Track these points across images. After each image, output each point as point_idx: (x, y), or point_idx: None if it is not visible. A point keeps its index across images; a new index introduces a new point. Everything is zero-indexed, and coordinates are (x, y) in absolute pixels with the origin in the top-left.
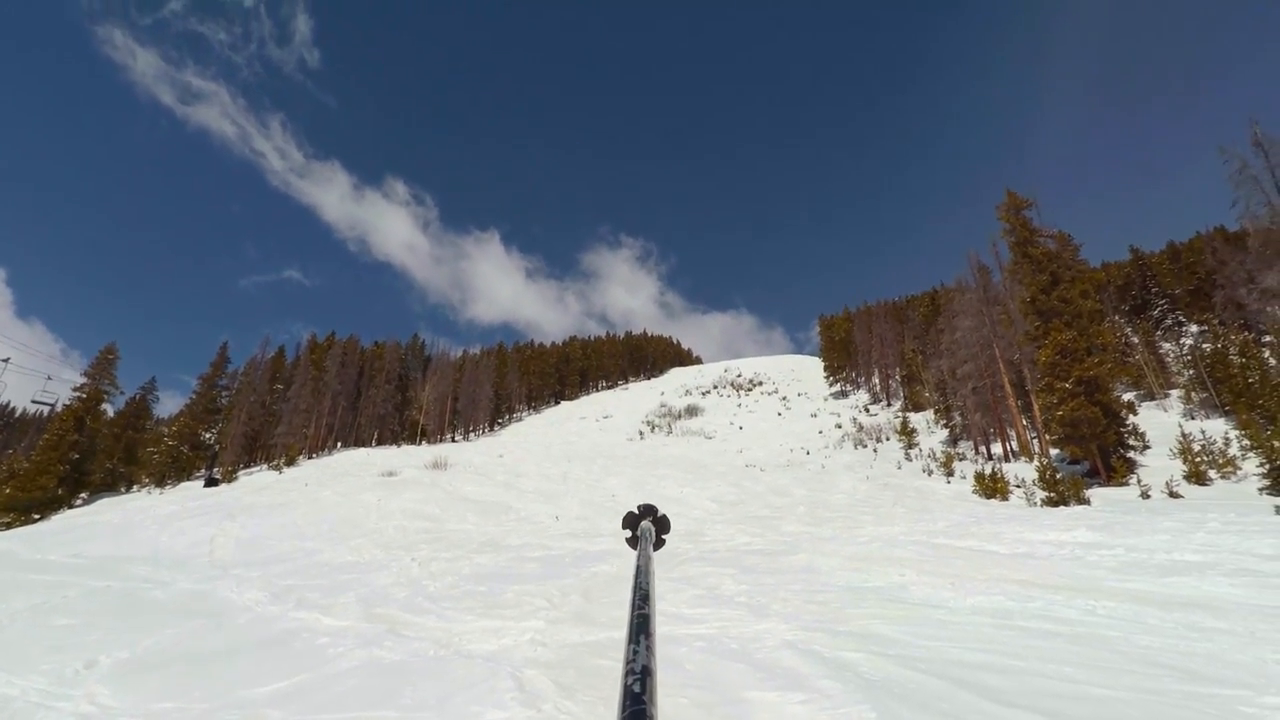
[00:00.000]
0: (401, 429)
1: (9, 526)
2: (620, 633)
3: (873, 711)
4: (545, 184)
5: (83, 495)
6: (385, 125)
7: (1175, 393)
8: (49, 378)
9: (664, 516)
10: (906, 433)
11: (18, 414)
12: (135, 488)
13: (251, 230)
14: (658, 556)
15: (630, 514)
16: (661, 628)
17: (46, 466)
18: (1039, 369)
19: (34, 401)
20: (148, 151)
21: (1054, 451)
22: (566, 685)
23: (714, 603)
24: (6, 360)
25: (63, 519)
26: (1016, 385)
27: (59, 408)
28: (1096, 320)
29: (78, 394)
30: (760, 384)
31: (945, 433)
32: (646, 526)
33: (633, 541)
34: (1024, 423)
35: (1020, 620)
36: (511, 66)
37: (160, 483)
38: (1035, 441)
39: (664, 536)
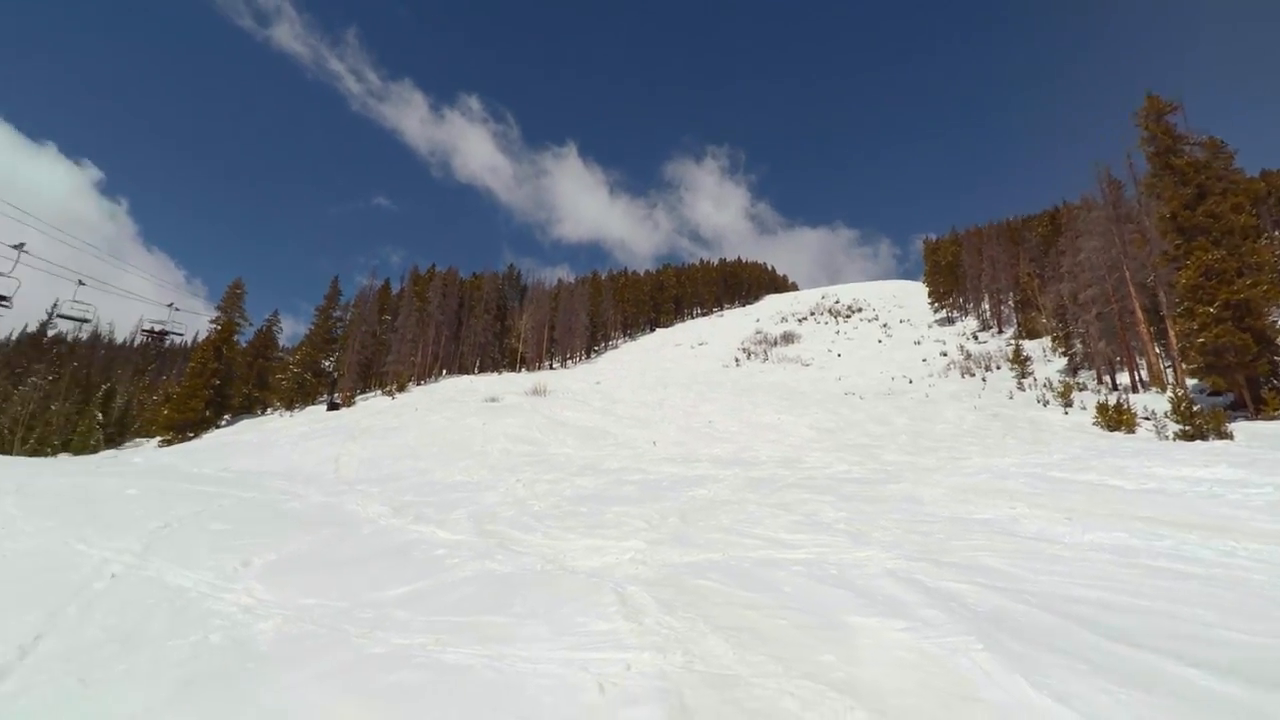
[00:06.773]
0: (501, 357)
1: (169, 443)
2: (719, 555)
3: (979, 642)
4: (621, 90)
5: (226, 417)
6: (455, 34)
7: None
8: (175, 307)
9: None
10: (1019, 361)
11: (166, 343)
12: (269, 411)
13: (336, 157)
14: (755, 481)
15: None
16: (759, 552)
17: (195, 391)
18: (1178, 292)
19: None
20: (232, 77)
21: (1191, 382)
22: (666, 602)
23: (812, 529)
24: (170, 305)
25: (211, 437)
26: (1149, 310)
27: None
28: (1251, 237)
29: (214, 325)
30: (860, 310)
31: (1063, 361)
32: None
33: None
34: (1156, 351)
35: (1146, 559)
36: None
37: (289, 406)
38: (1169, 371)
39: None
